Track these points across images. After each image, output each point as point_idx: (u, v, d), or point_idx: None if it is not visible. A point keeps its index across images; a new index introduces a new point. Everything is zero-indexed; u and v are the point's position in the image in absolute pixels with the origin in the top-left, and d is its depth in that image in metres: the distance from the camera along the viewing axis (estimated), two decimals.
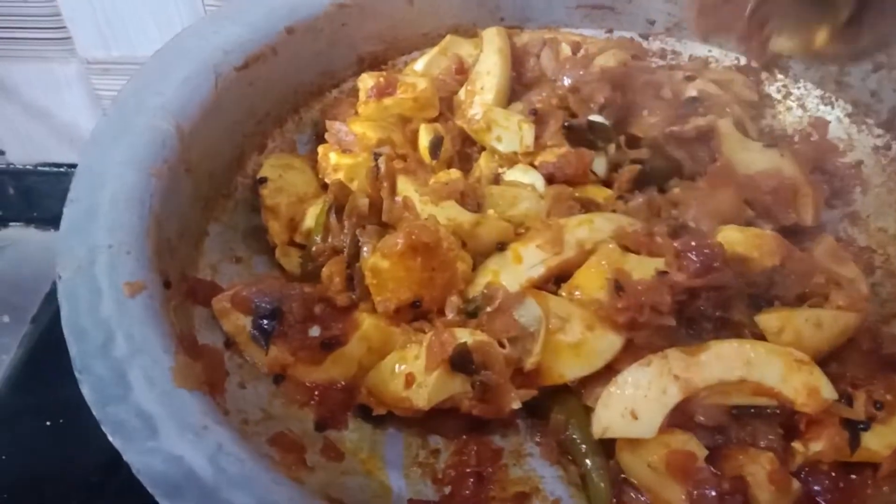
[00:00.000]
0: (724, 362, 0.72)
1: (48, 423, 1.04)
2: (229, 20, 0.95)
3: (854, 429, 0.72)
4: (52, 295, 1.22)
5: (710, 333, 0.76)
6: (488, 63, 1.02)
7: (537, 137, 0.93)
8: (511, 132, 0.94)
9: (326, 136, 0.96)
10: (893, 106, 0.98)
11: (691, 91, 0.99)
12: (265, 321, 0.77)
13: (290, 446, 0.74)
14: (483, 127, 0.95)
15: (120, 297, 0.68)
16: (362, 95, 0.99)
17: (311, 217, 0.88)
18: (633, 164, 0.94)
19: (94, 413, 0.60)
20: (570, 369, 0.76)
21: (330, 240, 0.83)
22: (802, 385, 0.71)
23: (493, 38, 1.04)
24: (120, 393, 0.61)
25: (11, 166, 1.48)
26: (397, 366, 0.76)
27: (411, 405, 0.74)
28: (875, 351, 0.78)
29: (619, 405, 0.72)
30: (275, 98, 0.99)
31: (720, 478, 0.69)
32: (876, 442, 0.72)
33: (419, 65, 1.04)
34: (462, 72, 1.02)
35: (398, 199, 0.84)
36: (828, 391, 0.72)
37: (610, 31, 1.14)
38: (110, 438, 0.59)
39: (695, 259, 0.75)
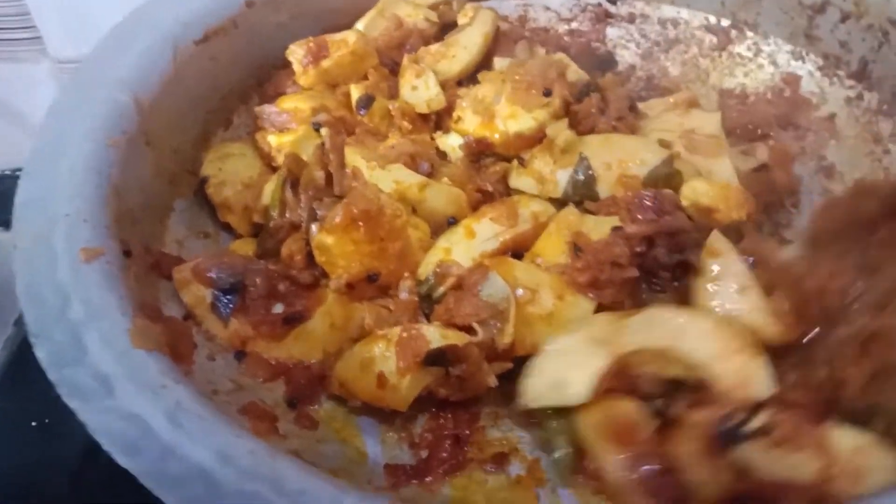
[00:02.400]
0: (651, 330, 0.69)
1: (34, 424, 1.02)
2: None
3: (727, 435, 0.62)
4: None
5: (672, 283, 0.74)
6: (470, 40, 1.01)
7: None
8: (422, 85, 0.93)
9: (259, 122, 0.95)
10: (863, 56, 0.97)
11: None
12: (226, 295, 0.75)
13: (261, 415, 0.72)
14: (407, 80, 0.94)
15: (76, 262, 0.66)
16: (297, 67, 0.97)
17: (267, 193, 0.85)
18: None
19: (50, 376, 0.59)
20: (544, 339, 0.74)
21: (287, 215, 0.82)
22: (735, 371, 0.65)
23: (486, 20, 1.04)
24: (76, 355, 0.59)
25: None
26: (368, 364, 0.73)
27: (387, 405, 0.72)
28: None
29: (547, 373, 0.70)
30: (238, 73, 0.98)
31: (657, 453, 0.65)
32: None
33: (359, 26, 1.03)
34: (400, 29, 1.02)
35: (349, 170, 0.83)
36: (762, 387, 0.64)
37: None
38: (66, 400, 0.57)
39: (647, 208, 0.74)
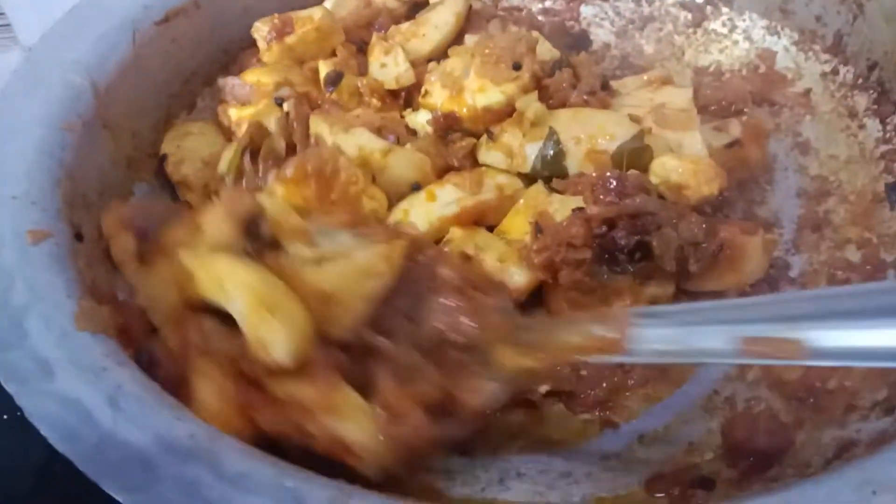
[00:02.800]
0: None
1: (5, 417, 1.01)
2: None
3: None
4: None
5: (632, 265, 0.74)
6: (442, 19, 0.99)
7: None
8: (391, 62, 0.92)
9: (222, 95, 0.93)
10: (838, 30, 0.95)
11: None
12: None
13: None
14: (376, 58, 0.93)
15: (22, 245, 0.64)
16: (261, 44, 0.95)
17: (224, 161, 0.83)
18: None
19: None
20: None
21: (244, 184, 0.80)
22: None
23: (457, 0, 1.01)
24: (15, 340, 0.58)
25: None
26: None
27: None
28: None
29: None
30: (202, 55, 0.96)
31: None
32: None
33: (328, 4, 1.01)
34: (369, 8, 1.00)
35: (312, 140, 0.81)
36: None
37: None
38: (3, 384, 0.56)
39: (609, 189, 0.73)
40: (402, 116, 0.90)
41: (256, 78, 0.91)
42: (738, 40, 1.04)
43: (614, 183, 0.73)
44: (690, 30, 1.07)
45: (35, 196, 0.69)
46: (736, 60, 1.03)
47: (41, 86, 0.78)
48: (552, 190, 0.80)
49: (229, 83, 0.92)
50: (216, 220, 0.63)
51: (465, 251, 0.74)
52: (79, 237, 0.71)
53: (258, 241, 0.68)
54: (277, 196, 0.75)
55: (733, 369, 0.78)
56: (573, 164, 0.80)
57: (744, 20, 1.04)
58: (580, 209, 0.73)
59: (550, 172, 0.81)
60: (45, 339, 0.58)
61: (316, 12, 0.95)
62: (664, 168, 0.79)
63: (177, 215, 0.73)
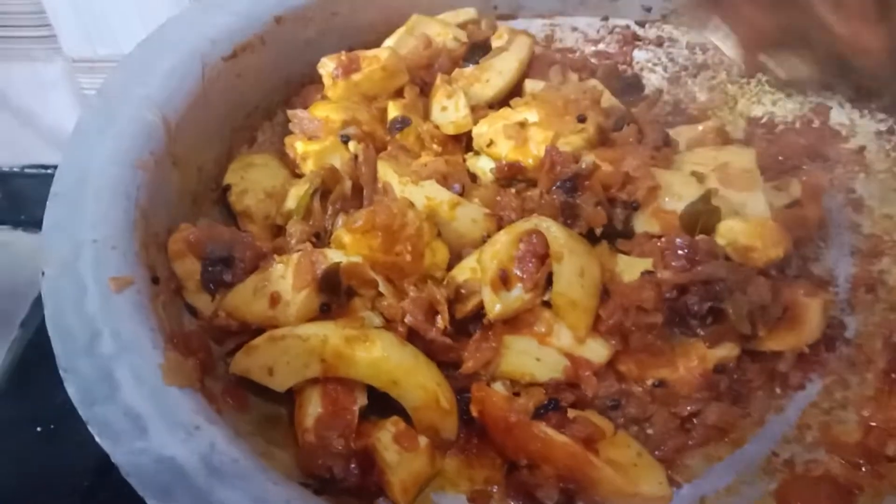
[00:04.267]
0: None
1: (39, 430, 1.01)
2: (216, 8, 0.92)
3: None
4: (40, 299, 1.17)
5: (703, 329, 0.75)
6: (506, 65, 1.01)
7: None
8: (451, 105, 0.94)
9: (290, 125, 0.94)
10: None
11: None
12: (215, 266, 0.76)
13: None
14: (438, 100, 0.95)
15: (106, 292, 0.65)
16: (327, 80, 0.96)
17: (292, 198, 0.84)
18: None
19: (81, 413, 0.58)
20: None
21: (311, 223, 0.81)
22: None
23: (522, 46, 1.03)
24: (107, 392, 0.59)
25: None
26: (259, 285, 0.74)
27: (277, 322, 0.72)
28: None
29: None
30: (264, 89, 0.97)
31: None
32: None
33: (388, 43, 1.01)
34: (429, 48, 1.01)
35: (380, 185, 0.82)
36: None
37: (605, 18, 1.12)
38: (98, 440, 0.56)
39: (680, 255, 0.73)
40: (464, 160, 0.91)
41: (326, 114, 0.92)
42: (791, 93, 1.04)
43: (686, 249, 0.73)
44: (744, 80, 1.07)
45: (115, 240, 0.69)
46: (789, 113, 1.03)
47: (114, 122, 0.79)
48: (617, 251, 0.80)
49: (299, 115, 0.93)
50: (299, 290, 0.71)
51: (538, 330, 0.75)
52: (155, 280, 0.71)
53: (335, 295, 0.70)
54: (347, 248, 0.76)
55: (791, 431, 0.78)
56: (639, 223, 0.81)
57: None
58: (650, 272, 0.74)
59: (618, 233, 0.82)
60: (135, 393, 0.59)
61: (383, 52, 0.96)
62: (732, 231, 0.78)
63: (240, 242, 0.77)
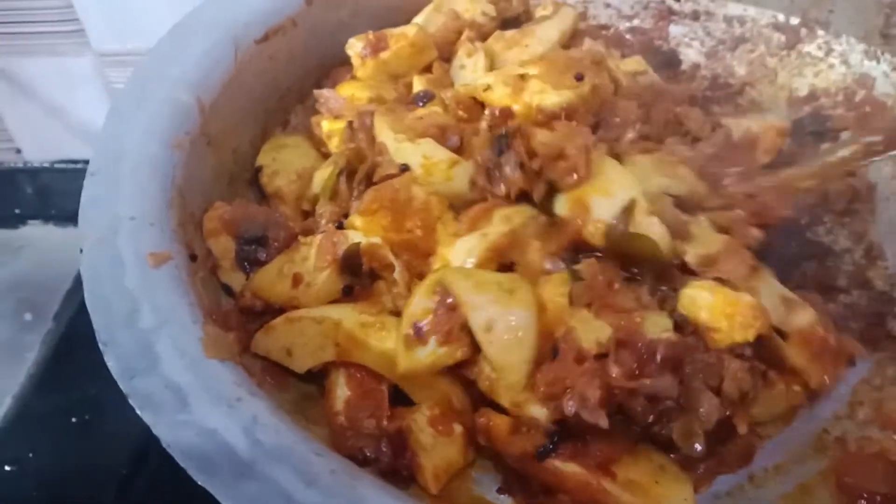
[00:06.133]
0: None
1: (74, 420, 1.02)
2: None
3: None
4: (72, 292, 1.19)
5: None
6: (546, 33, 0.99)
7: None
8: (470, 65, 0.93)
9: (317, 105, 0.93)
10: None
11: None
12: (250, 245, 0.76)
13: None
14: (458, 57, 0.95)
15: (144, 267, 0.64)
16: (356, 60, 0.95)
17: (318, 181, 0.84)
18: None
19: (121, 386, 0.57)
20: None
21: (340, 204, 0.80)
22: None
23: (566, 17, 1.02)
24: (147, 365, 0.58)
25: (28, 164, 1.45)
26: (284, 266, 0.74)
27: (299, 303, 0.72)
28: None
29: None
30: (297, 72, 0.96)
31: None
32: None
33: (417, 20, 1.00)
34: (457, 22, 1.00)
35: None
36: None
37: None
38: (139, 412, 0.55)
39: (633, 356, 0.63)
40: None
41: (351, 92, 0.91)
42: (834, 63, 1.02)
43: (642, 352, 0.63)
44: (784, 52, 1.05)
45: (152, 217, 0.69)
46: (832, 84, 1.01)
47: (149, 102, 0.79)
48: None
49: (325, 95, 0.93)
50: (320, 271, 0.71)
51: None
52: (193, 257, 0.71)
53: (357, 277, 0.69)
54: (362, 230, 0.74)
55: (843, 408, 0.76)
56: (559, 205, 0.74)
57: (840, 44, 1.02)
58: (602, 357, 0.63)
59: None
60: (176, 365, 0.58)
61: (410, 29, 0.95)
62: (694, 304, 0.67)
63: (275, 223, 0.77)
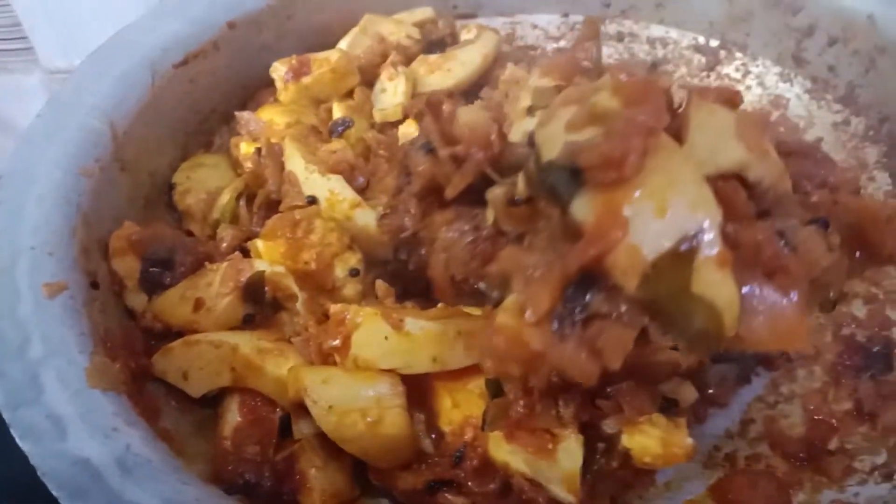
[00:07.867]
0: None
1: None
2: (169, 16, 0.93)
3: None
4: None
5: None
6: (469, 57, 1.01)
7: None
8: (391, 89, 0.95)
9: (237, 127, 0.95)
10: (850, 80, 0.95)
11: None
12: (155, 268, 0.77)
13: None
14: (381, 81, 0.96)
15: (39, 298, 0.66)
16: (279, 84, 0.97)
17: (218, 207, 0.86)
18: None
19: (5, 416, 0.59)
20: None
21: (241, 228, 0.82)
22: None
23: (489, 41, 1.04)
24: (32, 395, 0.60)
25: None
26: (188, 291, 0.75)
27: (199, 328, 0.73)
28: None
29: None
30: (220, 94, 0.98)
31: None
32: None
33: (342, 44, 1.02)
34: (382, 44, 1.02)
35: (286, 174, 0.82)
36: None
37: (566, 15, 1.12)
38: (19, 442, 0.57)
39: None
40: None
41: (270, 116, 0.93)
42: (751, 85, 1.04)
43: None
44: (704, 73, 1.07)
45: (52, 246, 0.70)
46: (748, 105, 1.03)
47: (61, 130, 0.80)
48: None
49: (245, 117, 0.94)
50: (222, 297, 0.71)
51: None
52: (94, 285, 0.72)
53: (259, 305, 0.71)
54: (263, 256, 0.76)
55: (735, 426, 0.78)
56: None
57: (757, 66, 1.04)
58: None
59: None
60: (59, 395, 0.60)
61: (332, 54, 0.96)
62: (643, 450, 0.63)
63: (183, 246, 0.78)
